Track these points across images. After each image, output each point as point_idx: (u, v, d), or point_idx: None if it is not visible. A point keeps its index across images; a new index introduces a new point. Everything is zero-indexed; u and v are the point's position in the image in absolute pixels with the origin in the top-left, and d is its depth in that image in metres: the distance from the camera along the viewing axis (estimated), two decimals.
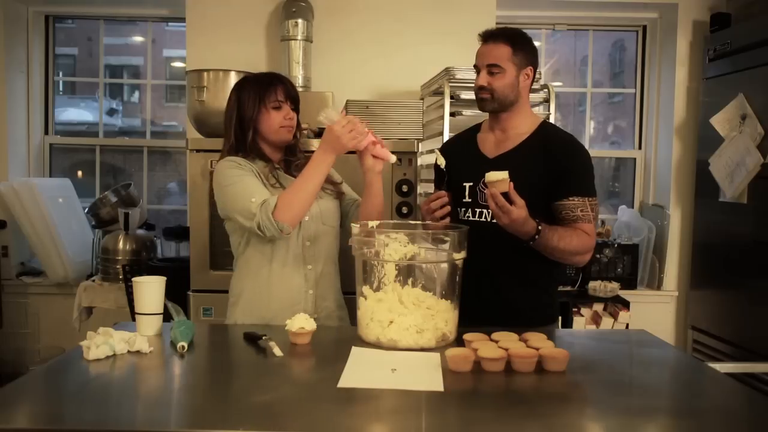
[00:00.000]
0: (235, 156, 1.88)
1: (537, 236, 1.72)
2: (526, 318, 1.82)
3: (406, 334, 1.56)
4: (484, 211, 1.87)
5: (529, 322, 1.75)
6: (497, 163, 1.85)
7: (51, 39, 3.84)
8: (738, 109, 2.97)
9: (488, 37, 1.87)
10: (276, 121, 1.88)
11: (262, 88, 1.88)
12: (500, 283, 1.87)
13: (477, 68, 1.90)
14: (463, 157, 1.96)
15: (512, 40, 1.84)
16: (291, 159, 1.97)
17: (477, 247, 1.74)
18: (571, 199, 1.80)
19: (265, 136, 1.90)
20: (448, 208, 1.86)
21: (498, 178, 1.66)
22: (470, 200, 1.91)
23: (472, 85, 2.78)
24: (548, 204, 1.83)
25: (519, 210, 1.66)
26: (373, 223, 1.74)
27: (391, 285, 1.62)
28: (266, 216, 1.72)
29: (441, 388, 1.29)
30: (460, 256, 1.64)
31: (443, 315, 1.60)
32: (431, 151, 2.95)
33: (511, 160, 1.83)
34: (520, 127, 1.91)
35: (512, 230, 1.71)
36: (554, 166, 1.82)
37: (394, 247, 1.61)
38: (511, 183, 1.67)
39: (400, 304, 1.59)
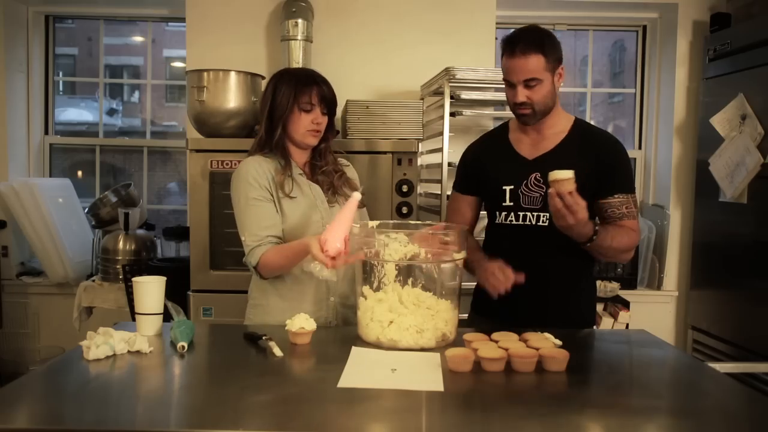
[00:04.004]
0: (262, 152, 1.87)
1: (595, 237, 1.67)
2: (568, 321, 1.77)
3: (406, 334, 1.56)
4: (528, 214, 1.81)
5: (569, 325, 1.73)
6: (538, 165, 1.81)
7: (51, 39, 3.84)
8: (738, 109, 2.97)
9: (516, 48, 1.73)
10: (303, 124, 1.84)
11: (297, 88, 1.83)
12: (542, 287, 1.81)
13: (509, 83, 1.79)
14: (500, 160, 1.90)
15: (542, 47, 1.73)
16: (317, 163, 1.93)
17: (519, 251, 1.73)
18: (616, 196, 1.78)
19: (291, 137, 1.87)
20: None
21: (564, 177, 1.57)
22: (512, 204, 1.84)
23: (473, 84, 2.84)
24: (591, 203, 1.74)
25: (584, 210, 1.59)
26: (373, 223, 1.74)
27: (391, 285, 1.62)
28: (251, 266, 1.81)
29: (441, 388, 1.29)
30: (460, 256, 1.64)
31: (443, 315, 1.60)
32: (434, 152, 2.94)
33: (552, 161, 1.77)
34: (556, 126, 1.85)
35: (573, 232, 1.64)
36: (597, 165, 1.77)
37: (394, 247, 1.61)
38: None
39: (400, 304, 1.59)
